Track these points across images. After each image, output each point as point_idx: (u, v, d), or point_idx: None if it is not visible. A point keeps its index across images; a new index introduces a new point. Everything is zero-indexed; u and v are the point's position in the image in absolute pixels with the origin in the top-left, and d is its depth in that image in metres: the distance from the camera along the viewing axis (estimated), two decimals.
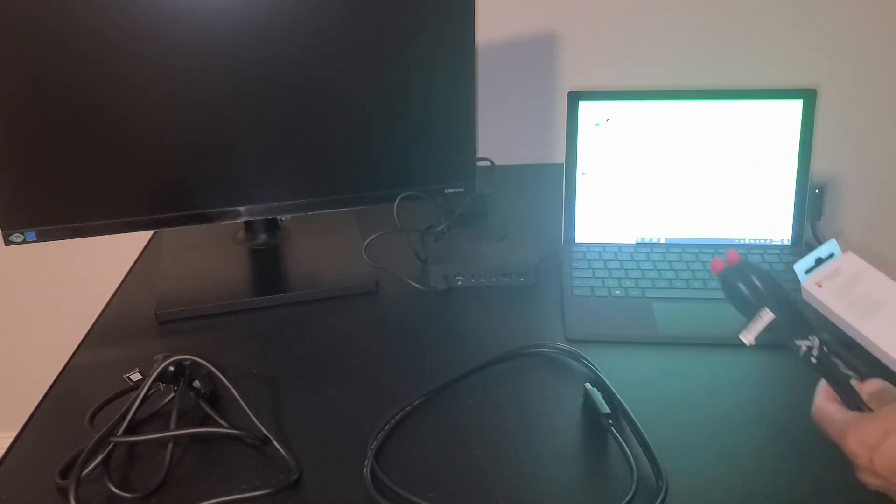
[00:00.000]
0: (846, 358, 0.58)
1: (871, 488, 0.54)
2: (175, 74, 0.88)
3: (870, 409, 0.56)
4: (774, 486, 0.65)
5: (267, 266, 1.04)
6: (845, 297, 0.69)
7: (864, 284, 0.69)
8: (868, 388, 0.58)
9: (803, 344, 0.58)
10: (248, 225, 1.07)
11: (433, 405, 0.76)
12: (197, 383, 0.75)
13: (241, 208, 0.97)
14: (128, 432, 0.69)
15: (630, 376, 0.79)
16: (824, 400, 0.58)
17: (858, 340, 0.65)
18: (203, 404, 0.74)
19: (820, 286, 0.71)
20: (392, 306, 0.95)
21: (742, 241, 1.02)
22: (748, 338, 0.60)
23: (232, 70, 0.90)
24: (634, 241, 1.03)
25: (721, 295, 0.91)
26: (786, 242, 1.02)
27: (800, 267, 0.80)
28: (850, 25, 1.30)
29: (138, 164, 0.91)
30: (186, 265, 1.03)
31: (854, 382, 0.58)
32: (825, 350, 0.58)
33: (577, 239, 1.03)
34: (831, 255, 0.79)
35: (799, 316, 0.60)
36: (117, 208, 0.93)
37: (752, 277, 0.61)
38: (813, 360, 0.58)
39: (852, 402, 0.57)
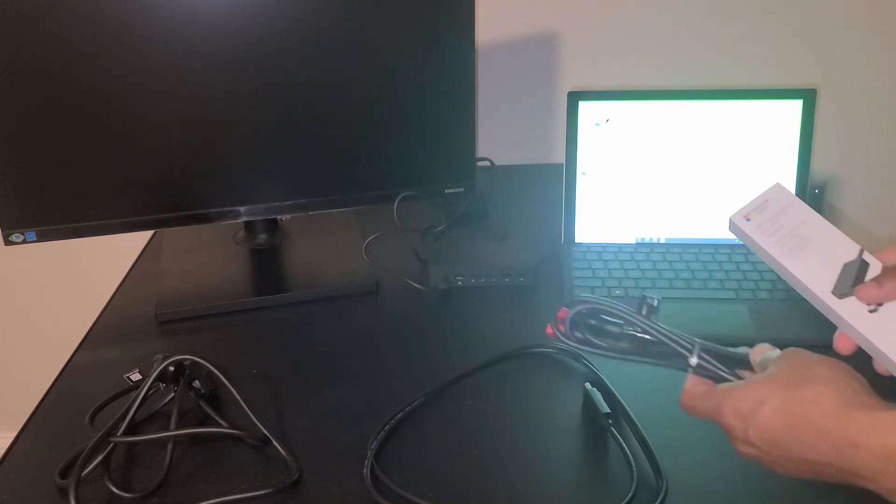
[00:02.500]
0: (723, 354, 0.59)
1: (746, 458, 0.54)
2: (175, 74, 0.88)
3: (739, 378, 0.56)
4: (774, 486, 0.65)
5: (267, 266, 1.04)
6: (773, 231, 0.64)
7: (793, 218, 0.65)
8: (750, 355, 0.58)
9: (691, 360, 0.58)
10: (248, 225, 1.07)
11: (433, 405, 0.76)
12: (197, 383, 0.75)
13: (241, 208, 0.97)
14: (128, 432, 0.70)
15: (630, 376, 0.79)
16: (692, 384, 0.58)
17: (784, 277, 0.62)
18: (203, 404, 0.74)
19: (748, 220, 0.67)
20: (392, 306, 0.95)
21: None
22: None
23: (232, 70, 0.90)
24: (634, 241, 1.03)
25: (721, 294, 0.92)
26: None
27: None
28: (850, 25, 1.30)
29: (138, 164, 0.91)
30: (186, 265, 1.03)
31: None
32: (704, 356, 0.58)
33: (577, 239, 1.03)
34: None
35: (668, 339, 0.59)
36: (117, 208, 0.93)
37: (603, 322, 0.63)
38: (693, 368, 0.59)
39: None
